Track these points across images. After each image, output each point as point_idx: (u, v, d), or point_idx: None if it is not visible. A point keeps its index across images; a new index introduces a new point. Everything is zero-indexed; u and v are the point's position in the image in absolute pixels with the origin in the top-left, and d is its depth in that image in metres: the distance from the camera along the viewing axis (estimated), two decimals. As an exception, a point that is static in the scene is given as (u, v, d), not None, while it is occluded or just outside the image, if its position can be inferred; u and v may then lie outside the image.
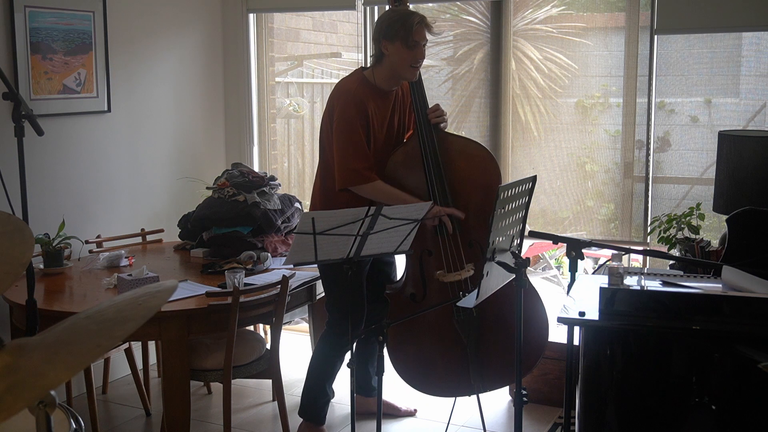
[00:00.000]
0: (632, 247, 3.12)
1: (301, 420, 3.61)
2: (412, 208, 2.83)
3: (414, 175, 3.39)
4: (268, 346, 3.63)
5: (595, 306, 2.36)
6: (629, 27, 4.18)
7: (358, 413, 3.53)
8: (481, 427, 3.44)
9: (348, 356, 3.53)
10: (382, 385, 2.71)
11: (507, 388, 3.95)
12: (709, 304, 2.28)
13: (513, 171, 4.46)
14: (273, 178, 4.22)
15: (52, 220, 3.86)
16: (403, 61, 3.31)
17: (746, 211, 2.88)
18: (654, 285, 2.56)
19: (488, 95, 4.50)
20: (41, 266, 3.68)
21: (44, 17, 3.93)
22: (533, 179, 2.74)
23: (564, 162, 4.37)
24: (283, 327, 3.55)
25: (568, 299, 2.53)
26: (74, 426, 1.74)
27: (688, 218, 3.54)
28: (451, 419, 3.38)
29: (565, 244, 2.78)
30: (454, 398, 3.42)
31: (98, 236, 4.16)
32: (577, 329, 2.48)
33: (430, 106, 3.44)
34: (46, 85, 3.96)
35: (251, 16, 5.04)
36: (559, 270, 6.10)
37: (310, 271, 3.71)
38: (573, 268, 2.77)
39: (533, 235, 3.03)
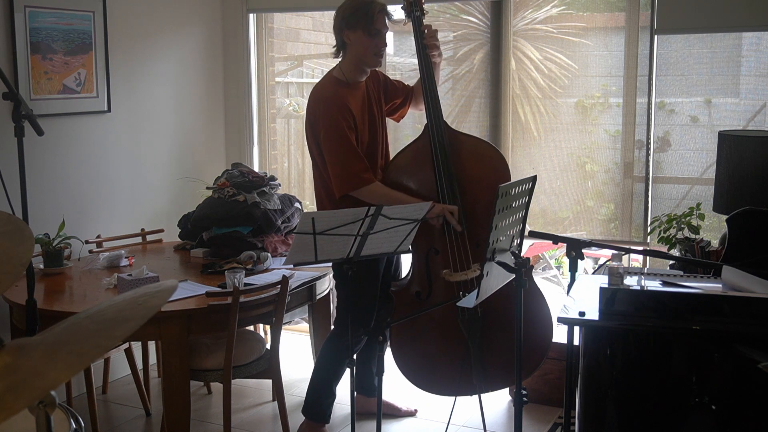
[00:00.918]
0: (632, 247, 3.12)
1: (304, 419, 3.61)
2: (411, 208, 2.83)
3: (422, 174, 3.38)
4: (268, 346, 3.63)
5: (595, 306, 2.36)
6: (629, 27, 4.18)
7: (359, 413, 3.53)
8: (482, 427, 3.44)
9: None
10: (382, 385, 2.72)
11: (507, 388, 3.95)
12: (709, 304, 2.28)
13: (513, 171, 4.44)
14: (273, 178, 4.22)
15: (52, 220, 3.86)
16: (366, 49, 3.32)
17: (746, 211, 2.88)
18: (654, 285, 2.56)
19: (488, 95, 4.50)
20: (41, 266, 3.68)
21: (44, 17, 3.93)
22: (533, 179, 2.74)
23: (564, 162, 4.37)
24: (283, 327, 3.55)
25: (568, 299, 2.53)
26: (74, 426, 1.74)
27: (688, 218, 3.54)
28: (452, 419, 3.38)
29: (565, 244, 2.78)
30: (454, 398, 3.42)
31: (98, 236, 4.16)
32: (577, 329, 2.48)
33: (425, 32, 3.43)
34: (46, 85, 3.96)
35: (251, 16, 5.04)
36: (559, 270, 6.10)
37: (310, 271, 3.71)
38: (573, 268, 2.77)
39: (533, 235, 3.03)
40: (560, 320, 2.36)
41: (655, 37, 4.05)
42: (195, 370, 3.36)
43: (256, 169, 5.00)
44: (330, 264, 3.40)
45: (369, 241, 2.80)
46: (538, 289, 3.40)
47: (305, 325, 4.88)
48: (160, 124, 4.66)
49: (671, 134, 4.14)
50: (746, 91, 3.99)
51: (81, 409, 3.67)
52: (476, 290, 2.48)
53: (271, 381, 3.74)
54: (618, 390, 2.38)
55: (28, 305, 2.88)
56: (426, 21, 3.50)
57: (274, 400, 4.01)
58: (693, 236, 3.50)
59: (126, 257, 3.86)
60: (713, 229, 4.04)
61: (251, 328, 3.95)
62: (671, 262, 3.29)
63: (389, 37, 3.44)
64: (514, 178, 3.50)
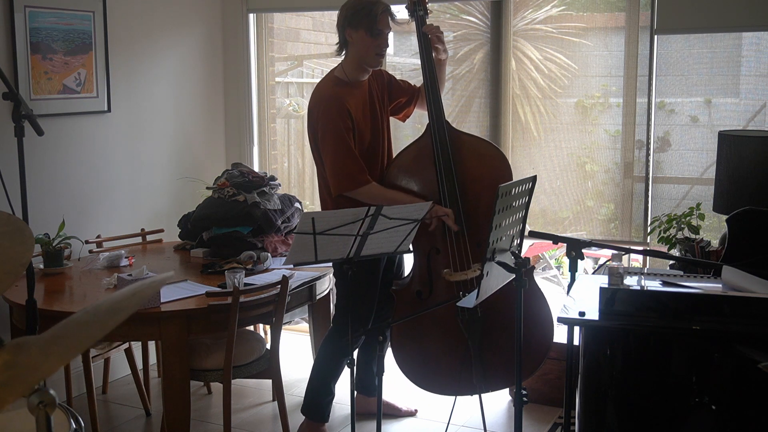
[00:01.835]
0: (632, 247, 3.12)
1: (304, 418, 3.61)
2: (411, 208, 2.83)
3: (424, 173, 3.38)
4: (268, 346, 3.63)
5: (595, 306, 2.36)
6: (629, 27, 4.18)
7: (359, 413, 3.53)
8: (482, 427, 3.44)
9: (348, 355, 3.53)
10: (382, 385, 2.72)
11: (507, 388, 3.95)
12: (709, 304, 2.28)
13: (513, 171, 4.44)
14: (273, 178, 4.22)
15: (52, 220, 3.86)
16: (368, 49, 3.33)
17: (746, 211, 2.88)
18: (654, 285, 2.56)
19: (488, 95, 4.50)
20: (41, 266, 3.68)
21: (44, 17, 3.93)
22: (533, 179, 2.74)
23: (564, 162, 4.37)
24: (283, 327, 3.55)
25: (568, 299, 2.53)
26: (74, 426, 1.73)
27: (688, 218, 3.54)
28: (452, 419, 3.38)
29: (565, 244, 2.78)
30: (454, 398, 3.42)
31: (98, 236, 4.16)
32: (577, 329, 2.48)
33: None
34: (46, 85, 3.96)
35: (251, 16, 5.04)
36: (559, 270, 6.10)
37: (310, 271, 3.71)
38: (573, 268, 2.77)
39: (533, 235, 3.03)
40: (560, 320, 2.36)
41: (655, 37, 4.05)
42: (195, 370, 3.35)
43: (256, 169, 5.00)
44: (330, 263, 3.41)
45: (369, 241, 2.80)
46: (539, 289, 3.40)
47: (305, 325, 4.88)
48: (160, 124, 4.66)
49: (671, 134, 4.14)
50: (746, 91, 3.99)
51: (81, 409, 3.67)
52: (476, 290, 2.47)
53: (271, 381, 3.74)
54: (618, 390, 2.38)
55: (28, 305, 2.88)
56: (429, 22, 3.49)
57: (274, 400, 4.01)
58: (693, 236, 3.50)
59: (126, 257, 3.86)
60: (713, 229, 4.04)
61: (251, 328, 3.96)
62: (671, 262, 3.29)
63: (390, 37, 3.44)
64: (514, 178, 3.50)
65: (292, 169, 5.30)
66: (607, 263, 2.62)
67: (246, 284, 3.34)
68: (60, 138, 4.06)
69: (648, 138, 4.15)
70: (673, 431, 2.33)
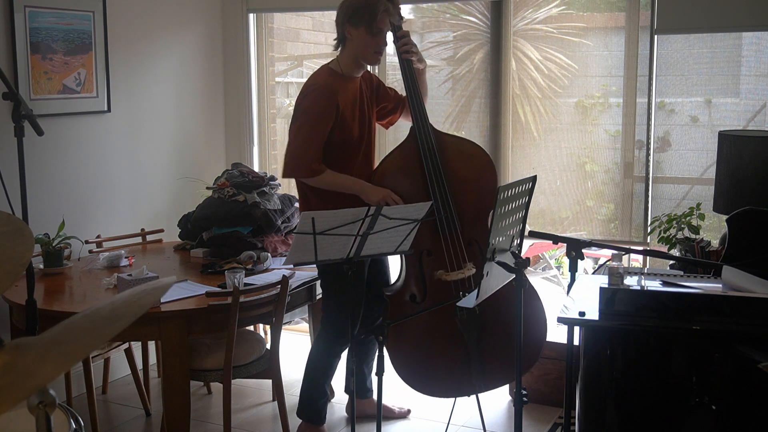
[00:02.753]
0: (632, 247, 3.12)
1: (301, 421, 3.61)
2: (411, 208, 2.83)
3: (412, 176, 3.39)
4: (268, 346, 3.63)
5: (595, 306, 2.36)
6: (629, 27, 4.18)
7: (355, 416, 3.53)
8: (481, 427, 3.44)
9: (345, 356, 3.53)
10: (382, 385, 2.71)
11: (507, 388, 3.95)
12: (709, 304, 2.28)
13: (513, 171, 4.46)
14: (273, 178, 4.22)
15: (52, 220, 3.85)
16: (367, 47, 3.34)
17: (746, 211, 2.88)
18: (654, 285, 2.56)
19: (488, 95, 4.49)
20: (41, 266, 3.67)
21: (44, 17, 3.93)
22: (533, 179, 2.74)
23: (564, 162, 4.37)
24: (283, 327, 3.54)
25: (568, 299, 2.53)
26: (74, 426, 1.73)
27: (688, 218, 3.54)
28: (451, 419, 3.38)
29: (565, 244, 2.78)
30: (453, 398, 3.42)
31: (98, 236, 4.16)
32: (577, 329, 2.48)
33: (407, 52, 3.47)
34: (46, 85, 3.96)
35: (251, 16, 5.04)
36: (559, 270, 6.10)
37: (310, 271, 3.71)
38: (573, 268, 2.77)
39: (533, 235, 3.03)
40: (560, 320, 2.36)
41: (655, 37, 4.05)
42: (195, 370, 3.35)
43: (256, 169, 5.00)
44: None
45: (369, 241, 2.80)
46: (533, 288, 3.40)
47: (305, 325, 4.88)
48: (160, 124, 4.66)
49: (671, 134, 4.14)
50: (746, 91, 3.99)
51: (81, 409, 3.67)
52: (476, 290, 2.47)
53: (271, 381, 3.74)
54: (618, 390, 2.38)
55: (28, 305, 2.88)
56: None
57: (274, 400, 4.00)
58: (693, 236, 3.50)
59: (126, 257, 3.86)
60: (713, 229, 4.04)
61: (251, 328, 3.95)
62: (671, 262, 3.29)
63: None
64: (514, 178, 3.52)
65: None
66: (607, 263, 2.62)
67: (246, 284, 3.34)
68: (60, 138, 4.06)
69: (648, 138, 4.15)
70: (673, 431, 2.33)
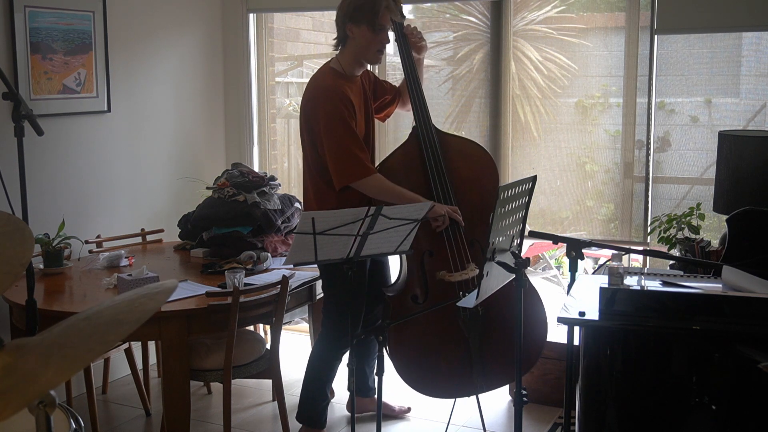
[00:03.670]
0: (632, 247, 3.12)
1: (300, 426, 3.59)
2: (411, 208, 2.83)
3: (414, 175, 3.38)
4: (268, 346, 3.63)
5: (595, 306, 2.36)
6: (629, 27, 4.18)
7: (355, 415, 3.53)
8: (481, 427, 3.44)
9: (347, 356, 3.52)
10: (382, 385, 2.71)
11: (507, 388, 3.95)
12: (709, 304, 2.28)
13: (513, 171, 4.46)
14: (273, 178, 4.22)
15: (52, 220, 3.85)
16: (369, 45, 3.32)
17: (746, 211, 2.88)
18: (654, 285, 2.56)
19: (488, 95, 4.50)
20: (41, 266, 3.67)
21: (44, 17, 3.93)
22: (533, 179, 2.74)
23: (564, 162, 4.37)
24: (283, 327, 3.54)
25: (568, 299, 2.53)
26: (74, 426, 1.73)
27: (688, 218, 3.54)
28: (451, 419, 3.38)
29: (565, 244, 2.78)
30: (454, 398, 3.42)
31: (98, 236, 4.16)
32: (577, 329, 2.48)
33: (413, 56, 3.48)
34: (46, 85, 3.96)
35: (251, 16, 5.04)
36: (559, 270, 6.10)
37: (310, 271, 3.71)
38: (573, 268, 2.77)
39: (533, 235, 3.03)
40: (560, 320, 2.36)
41: (655, 37, 4.05)
42: (195, 370, 3.35)
43: (256, 169, 5.00)
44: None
45: (369, 241, 2.80)
46: (534, 288, 3.40)
47: (305, 325, 4.88)
48: (160, 124, 4.66)
49: (671, 134, 4.14)
50: (746, 91, 3.99)
51: (81, 409, 3.67)
52: (476, 290, 2.47)
53: (271, 381, 3.74)
54: (618, 390, 2.38)
55: (28, 305, 2.88)
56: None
57: (274, 400, 4.01)
58: (693, 236, 3.50)
59: (126, 257, 3.86)
60: (713, 229, 4.04)
61: (251, 328, 3.95)
62: (671, 262, 3.29)
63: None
64: (514, 178, 3.52)
65: (292, 169, 5.30)
66: (607, 263, 2.62)
67: (246, 284, 3.34)
68: (60, 138, 4.06)
69: (648, 138, 4.15)
70: (673, 431, 2.33)
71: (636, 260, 4.57)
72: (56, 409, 1.25)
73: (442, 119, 4.55)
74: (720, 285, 2.54)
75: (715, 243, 3.54)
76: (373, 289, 3.50)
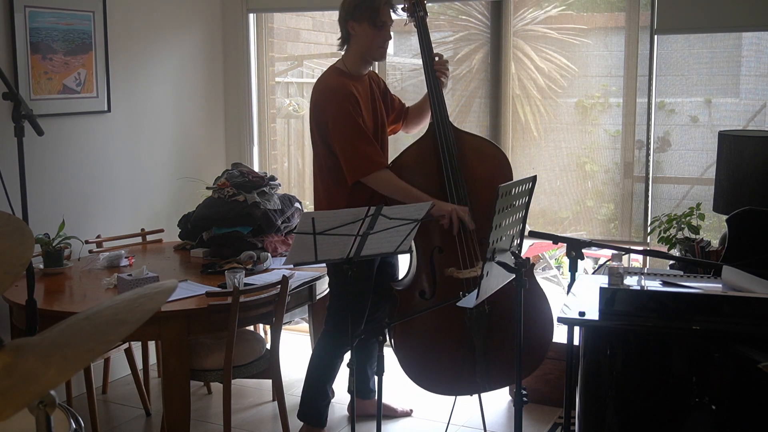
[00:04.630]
0: (632, 247, 3.12)
1: (302, 424, 3.59)
2: (411, 208, 2.83)
3: (429, 172, 3.37)
4: (268, 346, 3.63)
5: (595, 306, 2.36)
6: (629, 27, 4.18)
7: (355, 416, 3.52)
8: (482, 427, 3.44)
9: (347, 356, 3.53)
10: (382, 385, 2.71)
11: (507, 388, 3.95)
12: (709, 304, 2.28)
13: (513, 171, 4.44)
14: (273, 178, 4.22)
15: (52, 220, 3.85)
16: (372, 41, 3.33)
17: (746, 211, 2.88)
18: (654, 285, 2.56)
19: (488, 95, 4.50)
20: (41, 266, 3.68)
21: (44, 17, 3.93)
22: (533, 179, 2.74)
23: (564, 162, 4.37)
24: (283, 327, 3.54)
25: (568, 299, 2.52)
26: (74, 426, 1.73)
27: (688, 218, 3.54)
28: (452, 419, 3.38)
29: (565, 244, 2.78)
30: (454, 398, 3.42)
31: (98, 236, 4.16)
32: (577, 329, 2.48)
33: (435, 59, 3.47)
34: (46, 85, 3.96)
35: (251, 16, 5.04)
36: (559, 270, 6.10)
37: (310, 271, 3.71)
38: (573, 268, 2.77)
39: (533, 235, 3.03)
40: (560, 320, 2.36)
41: (655, 37, 4.05)
42: (195, 370, 3.35)
43: (256, 169, 5.00)
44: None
45: (369, 241, 2.80)
46: (540, 288, 3.40)
47: (305, 325, 4.88)
48: (160, 124, 4.66)
49: (671, 134, 4.14)
50: (746, 91, 3.99)
51: (81, 409, 3.67)
52: (476, 290, 2.47)
53: (271, 381, 3.74)
54: (618, 390, 2.38)
55: (28, 305, 2.88)
56: (426, 21, 3.50)
57: (274, 400, 4.01)
58: (693, 236, 3.50)
59: (126, 257, 3.86)
60: (713, 229, 4.04)
61: (251, 328, 3.95)
62: (671, 262, 3.29)
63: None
64: (514, 178, 3.51)
65: (292, 169, 5.30)
66: (607, 263, 2.62)
67: (246, 284, 3.34)
68: (60, 138, 4.06)
69: (648, 138, 4.15)
70: (673, 431, 2.33)
71: (636, 260, 4.57)
72: (56, 409, 1.25)
73: (442, 119, 4.55)
74: (720, 285, 2.54)
75: (715, 243, 3.54)
76: (381, 287, 3.50)
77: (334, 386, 3.71)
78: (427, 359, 3.39)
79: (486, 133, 4.50)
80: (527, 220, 2.78)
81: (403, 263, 3.71)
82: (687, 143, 4.10)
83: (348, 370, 2.73)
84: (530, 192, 2.74)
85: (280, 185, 4.26)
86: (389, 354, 3.19)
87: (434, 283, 3.35)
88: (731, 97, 4.02)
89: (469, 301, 2.55)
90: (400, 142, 4.50)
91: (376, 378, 2.71)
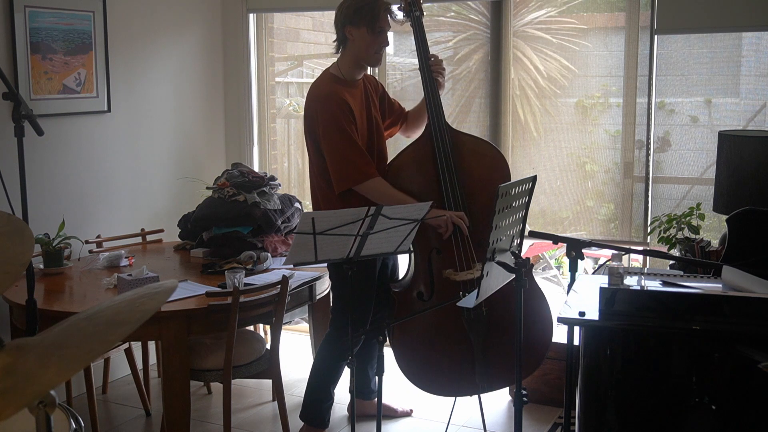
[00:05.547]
0: (632, 247, 3.12)
1: (302, 424, 3.58)
2: (412, 208, 2.83)
3: (425, 173, 3.37)
4: (268, 346, 3.63)
5: (595, 306, 2.36)
6: (629, 27, 4.18)
7: (356, 416, 3.52)
8: (482, 427, 3.44)
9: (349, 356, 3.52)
10: (382, 385, 2.71)
11: (507, 388, 3.95)
12: (709, 304, 2.28)
13: (513, 171, 4.44)
14: (273, 178, 4.22)
15: (52, 220, 3.86)
16: (369, 47, 3.32)
17: (746, 211, 2.88)
18: (654, 285, 2.56)
19: (488, 95, 4.50)
20: (41, 266, 3.67)
21: (44, 17, 3.93)
22: (533, 179, 2.74)
23: (564, 162, 4.37)
24: (283, 327, 3.54)
25: (568, 299, 2.52)
26: (74, 426, 1.73)
27: (688, 218, 3.54)
28: (452, 419, 3.38)
29: (565, 244, 2.78)
30: (454, 398, 3.42)
31: (98, 236, 4.16)
32: (577, 329, 2.48)
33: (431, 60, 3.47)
34: (46, 85, 3.96)
35: (251, 16, 5.04)
36: (559, 270, 6.10)
37: (310, 271, 3.71)
38: (573, 268, 2.77)
39: (533, 235, 3.03)
40: (560, 320, 2.36)
41: (655, 37, 4.05)
42: (195, 370, 3.35)
43: (256, 169, 5.00)
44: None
45: (369, 241, 2.80)
46: (539, 288, 3.40)
47: (305, 325, 4.88)
48: (160, 124, 4.66)
49: (671, 134, 4.14)
50: (746, 91, 4.00)
51: (81, 409, 3.67)
52: (476, 290, 2.47)
53: (271, 381, 3.74)
54: (618, 390, 2.38)
55: (28, 305, 2.88)
56: (425, 21, 3.50)
57: (274, 400, 4.01)
58: (693, 236, 3.50)
59: (126, 257, 3.86)
60: (713, 229, 4.04)
61: (251, 328, 3.95)
62: (671, 262, 3.29)
63: (389, 36, 3.44)
64: (513, 178, 3.51)
65: (292, 169, 5.30)
66: (607, 263, 2.62)
67: (246, 284, 3.34)
68: (60, 138, 4.06)
69: (648, 138, 4.15)
70: (673, 431, 2.33)
71: (636, 260, 4.57)
72: (56, 409, 1.25)
73: (442, 119, 4.55)
74: (720, 285, 2.54)
75: (715, 243, 3.54)
76: (383, 290, 3.49)
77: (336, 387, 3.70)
78: (426, 361, 3.39)
79: (486, 133, 4.50)
80: (527, 220, 2.78)
81: (403, 263, 3.71)
82: (687, 143, 4.10)
83: (348, 369, 2.73)
84: (530, 192, 2.74)
85: (280, 185, 4.26)
86: (389, 354, 3.19)
87: (432, 284, 3.35)
88: (731, 97, 4.02)
89: (469, 301, 2.55)
90: (399, 142, 4.50)
91: (376, 378, 2.71)
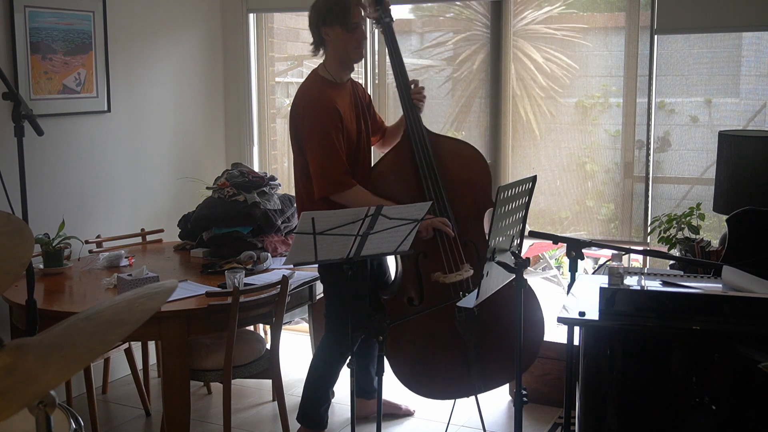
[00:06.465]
0: (632, 247, 3.12)
1: (300, 426, 3.58)
2: (411, 208, 2.83)
3: (406, 178, 3.38)
4: (268, 346, 3.63)
5: (595, 306, 2.36)
6: (629, 27, 4.18)
7: (358, 417, 3.52)
8: (481, 428, 3.44)
9: (348, 357, 3.52)
10: (382, 384, 2.71)
11: (507, 388, 3.95)
12: (709, 304, 2.28)
13: (513, 171, 4.46)
14: (273, 178, 4.22)
15: (52, 220, 3.85)
16: (347, 44, 3.32)
17: (746, 211, 2.88)
18: (654, 285, 2.56)
19: (488, 95, 4.49)
20: (41, 266, 3.67)
21: (44, 17, 3.93)
22: (533, 179, 2.74)
23: (564, 162, 4.37)
24: (283, 327, 3.54)
25: (568, 299, 2.53)
26: (74, 426, 1.73)
27: (688, 218, 3.54)
28: (451, 419, 3.38)
29: (565, 244, 2.78)
30: (453, 399, 3.42)
31: (98, 236, 4.16)
32: (577, 329, 2.48)
33: (412, 87, 3.46)
34: (46, 85, 3.96)
35: (251, 16, 5.04)
36: (559, 270, 6.10)
37: (310, 271, 3.71)
38: (573, 268, 2.77)
39: (533, 235, 3.03)
40: (560, 320, 2.36)
41: (655, 37, 4.05)
42: (195, 370, 3.35)
43: (256, 169, 5.00)
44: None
45: (369, 241, 2.80)
46: (530, 288, 3.39)
47: (305, 325, 4.88)
48: (160, 124, 4.66)
49: (671, 134, 4.14)
50: (746, 91, 4.00)
51: (81, 409, 3.67)
52: (476, 290, 2.47)
53: (271, 381, 3.74)
54: (618, 390, 2.38)
55: (28, 305, 2.88)
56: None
57: (274, 400, 4.00)
58: (693, 236, 3.50)
59: (126, 257, 3.86)
60: (713, 229, 4.04)
61: (251, 328, 3.95)
62: (671, 262, 3.29)
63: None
64: (514, 178, 3.52)
65: (292, 169, 5.30)
66: (607, 263, 2.62)
67: (246, 284, 3.34)
68: (60, 138, 4.06)
69: (648, 138, 4.15)
70: (673, 431, 2.33)
71: (636, 260, 4.57)
72: (56, 409, 1.25)
73: (442, 120, 4.56)
74: (720, 285, 2.54)
75: (715, 243, 3.54)
76: (372, 294, 3.49)
77: (336, 387, 3.70)
78: (421, 366, 3.38)
79: (486, 133, 4.50)
80: (527, 220, 2.78)
81: (390, 263, 3.70)
82: (687, 143, 4.10)
83: (349, 370, 2.73)
84: (530, 192, 2.74)
85: (280, 185, 4.26)
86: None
87: (421, 289, 3.35)
88: (731, 97, 4.02)
89: (469, 301, 2.55)
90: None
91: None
